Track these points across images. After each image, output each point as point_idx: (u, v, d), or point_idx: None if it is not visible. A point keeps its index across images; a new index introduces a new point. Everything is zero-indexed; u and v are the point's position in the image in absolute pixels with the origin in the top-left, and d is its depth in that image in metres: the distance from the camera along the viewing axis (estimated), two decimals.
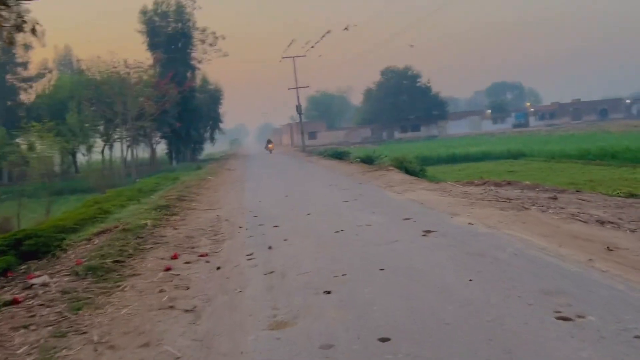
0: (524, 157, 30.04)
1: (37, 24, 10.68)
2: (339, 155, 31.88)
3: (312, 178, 19.49)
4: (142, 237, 8.87)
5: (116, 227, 9.76)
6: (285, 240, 7.91)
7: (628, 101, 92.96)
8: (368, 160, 25.66)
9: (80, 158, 47.11)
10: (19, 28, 10.08)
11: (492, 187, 12.53)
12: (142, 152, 58.06)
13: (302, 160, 35.28)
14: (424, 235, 7.31)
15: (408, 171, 19.16)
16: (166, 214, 11.43)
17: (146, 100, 34.88)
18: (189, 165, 37.77)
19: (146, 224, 9.93)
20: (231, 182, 20.04)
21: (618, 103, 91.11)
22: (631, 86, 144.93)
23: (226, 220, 10.60)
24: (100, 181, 23.13)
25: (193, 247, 8.11)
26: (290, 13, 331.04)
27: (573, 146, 29.78)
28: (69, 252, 8.57)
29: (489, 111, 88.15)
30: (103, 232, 9.59)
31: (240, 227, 9.53)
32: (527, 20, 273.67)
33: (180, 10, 46.63)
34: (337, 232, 8.10)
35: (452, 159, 31.19)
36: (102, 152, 49.41)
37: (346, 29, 37.62)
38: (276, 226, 9.24)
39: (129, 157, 39.84)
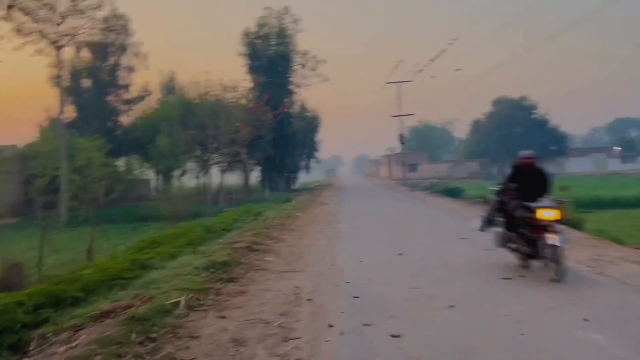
0: None
1: None
2: (452, 193, 26.92)
3: (428, 225, 14.91)
4: (154, 339, 4.94)
5: (129, 306, 5.97)
6: None
7: None
8: None
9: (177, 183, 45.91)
10: None
11: None
12: (237, 179, 56.50)
13: (406, 196, 30.64)
14: None
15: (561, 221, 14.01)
16: (220, 279, 7.51)
17: (240, 124, 32.42)
18: (280, 196, 34.54)
19: (178, 303, 6.04)
20: (322, 223, 15.99)
21: None
22: None
23: (308, 300, 6.46)
24: (173, 210, 20.10)
25: None
26: (397, 35, 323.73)
27: None
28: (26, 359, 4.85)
29: (619, 148, 77.73)
30: (107, 313, 5.83)
31: (331, 327, 5.32)
32: None
33: (282, 33, 44.49)
34: None
35: (597, 204, 24.99)
36: (197, 177, 48.22)
37: (452, 42, 33.43)
38: (397, 336, 4.90)
39: (218, 184, 37.63)
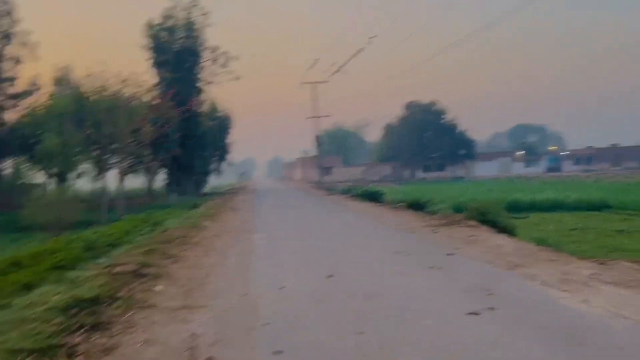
0: (609, 209, 23.67)
1: None
2: (372, 197, 25.68)
3: (355, 235, 13.18)
4: None
5: None
6: None
7: None
8: (417, 206, 19.46)
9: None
10: None
11: None
12: (142, 183, 52.15)
13: (324, 200, 29.04)
14: None
15: (497, 227, 12.97)
16: (81, 327, 5.19)
17: (142, 121, 29.25)
18: (187, 201, 31.65)
19: None
20: (234, 234, 13.82)
21: None
22: None
23: None
24: (50, 219, 16.94)
25: None
26: (314, 33, 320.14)
27: None
28: None
29: (522, 152, 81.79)
30: None
31: None
32: (551, 62, 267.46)
33: (190, 26, 41.53)
34: None
35: (515, 208, 24.74)
36: (94, 180, 43.73)
37: (372, 38, 32.71)
38: None
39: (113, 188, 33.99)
